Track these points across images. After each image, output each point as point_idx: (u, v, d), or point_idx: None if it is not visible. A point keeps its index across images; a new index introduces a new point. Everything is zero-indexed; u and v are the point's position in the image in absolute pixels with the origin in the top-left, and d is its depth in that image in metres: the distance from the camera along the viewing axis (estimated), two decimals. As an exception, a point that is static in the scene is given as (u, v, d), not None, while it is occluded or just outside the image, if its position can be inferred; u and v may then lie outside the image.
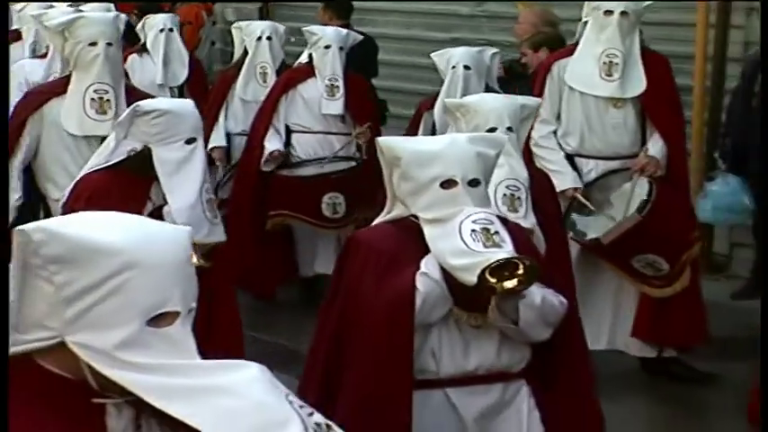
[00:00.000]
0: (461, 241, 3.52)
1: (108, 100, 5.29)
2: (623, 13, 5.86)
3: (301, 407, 2.03)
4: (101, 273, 2.04)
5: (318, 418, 2.05)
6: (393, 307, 3.61)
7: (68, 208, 4.32)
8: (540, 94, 5.90)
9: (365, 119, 7.03)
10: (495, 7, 9.21)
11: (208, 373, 2.04)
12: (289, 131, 7.02)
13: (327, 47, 6.99)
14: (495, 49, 6.83)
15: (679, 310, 5.89)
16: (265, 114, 6.91)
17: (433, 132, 6.39)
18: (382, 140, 3.82)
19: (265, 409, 1.98)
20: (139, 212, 3.83)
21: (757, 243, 6.85)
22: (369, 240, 3.80)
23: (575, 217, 5.86)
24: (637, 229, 5.68)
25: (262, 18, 9.66)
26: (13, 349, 2.11)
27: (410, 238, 3.67)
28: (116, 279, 2.04)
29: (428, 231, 3.62)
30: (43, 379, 2.08)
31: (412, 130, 6.77)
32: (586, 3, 6.04)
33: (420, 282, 3.57)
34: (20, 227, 2.09)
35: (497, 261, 3.43)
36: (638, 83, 5.90)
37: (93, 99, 5.29)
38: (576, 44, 6.08)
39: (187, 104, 4.80)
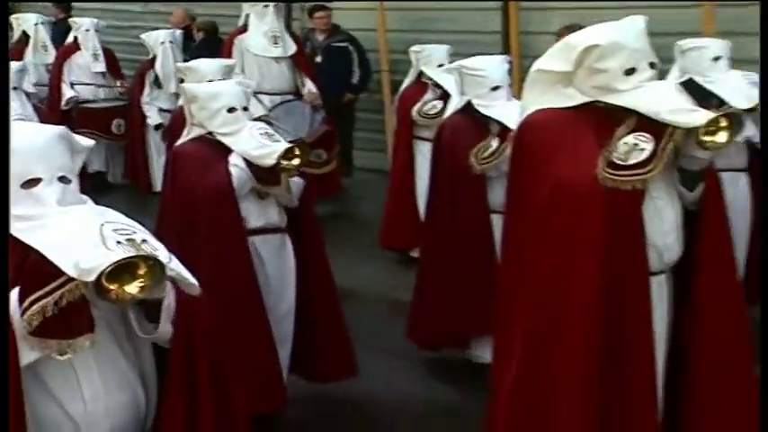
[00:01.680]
0: (257, 140, 4.24)
1: None
2: (276, 6, 8.31)
3: (118, 230, 2.40)
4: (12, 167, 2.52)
5: (137, 236, 2.39)
6: (218, 188, 4.25)
7: None
8: (229, 56, 7.98)
9: (120, 76, 9.70)
10: (157, 7, 11.82)
11: (52, 215, 2.47)
12: (72, 85, 9.48)
13: (87, 30, 9.48)
14: (180, 31, 9.34)
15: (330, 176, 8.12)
16: (55, 76, 9.44)
17: (158, 84, 8.84)
18: (186, 86, 4.67)
19: (73, 235, 2.39)
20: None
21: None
22: (189, 150, 4.47)
23: None
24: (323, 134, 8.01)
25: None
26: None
27: (212, 147, 4.38)
28: (12, 166, 2.53)
29: (227, 140, 4.32)
30: None
31: (138, 85, 9.27)
32: (245, 4, 8.41)
33: (232, 170, 4.27)
34: None
35: (285, 148, 4.15)
36: (291, 47, 8.37)
37: None
38: (245, 26, 8.39)
39: None
